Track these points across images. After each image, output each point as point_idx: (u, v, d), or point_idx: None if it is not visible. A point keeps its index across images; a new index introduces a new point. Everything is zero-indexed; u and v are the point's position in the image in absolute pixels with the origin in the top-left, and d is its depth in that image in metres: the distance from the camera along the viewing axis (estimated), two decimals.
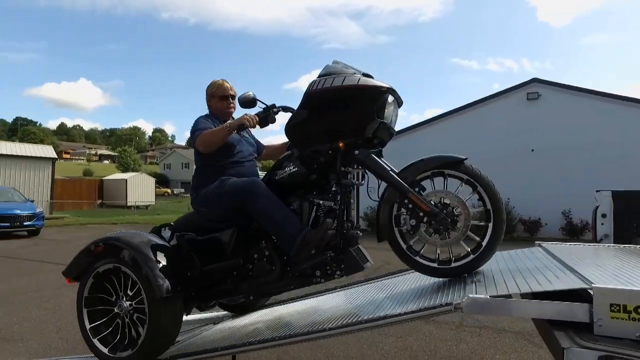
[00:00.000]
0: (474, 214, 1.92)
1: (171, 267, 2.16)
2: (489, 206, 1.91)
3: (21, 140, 51.23)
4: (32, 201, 13.16)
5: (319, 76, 2.09)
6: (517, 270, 1.95)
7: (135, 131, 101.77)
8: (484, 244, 1.91)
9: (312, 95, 2.07)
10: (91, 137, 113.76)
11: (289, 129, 2.17)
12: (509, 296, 1.50)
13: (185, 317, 3.10)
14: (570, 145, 11.71)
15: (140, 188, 29.65)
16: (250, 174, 2.40)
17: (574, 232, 11.25)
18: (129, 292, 2.19)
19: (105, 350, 2.19)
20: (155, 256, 2.15)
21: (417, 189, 1.96)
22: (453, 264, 1.96)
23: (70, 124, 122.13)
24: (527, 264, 2.10)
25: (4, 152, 19.35)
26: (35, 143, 30.91)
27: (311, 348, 3.23)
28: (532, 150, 12.30)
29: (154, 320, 2.07)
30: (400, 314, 1.66)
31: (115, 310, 2.21)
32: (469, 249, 1.94)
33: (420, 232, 1.94)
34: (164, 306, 2.08)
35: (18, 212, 11.46)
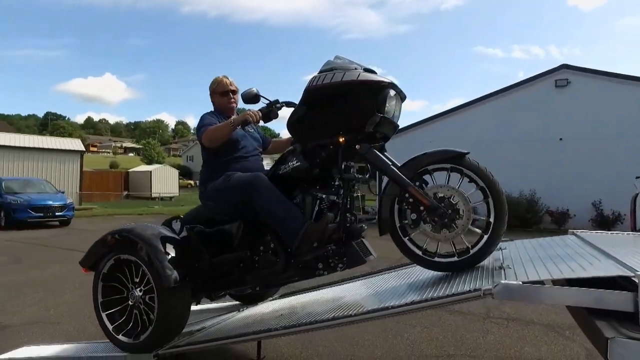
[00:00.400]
0: (475, 208, 1.91)
1: (180, 259, 2.25)
2: (487, 191, 1.91)
3: (51, 134, 53.05)
4: (63, 192, 13.63)
5: (320, 72, 2.10)
6: (548, 257, 1.89)
7: (159, 124, 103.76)
8: (486, 235, 1.92)
9: (311, 91, 2.09)
10: (116, 130, 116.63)
11: (290, 124, 2.20)
12: (541, 282, 1.46)
13: (210, 305, 3.18)
14: (602, 134, 11.28)
15: (164, 180, 30.26)
16: (255, 168, 2.43)
17: (605, 223, 10.88)
18: (139, 281, 2.29)
19: (120, 336, 2.31)
20: (165, 248, 2.24)
21: (417, 183, 1.96)
22: (470, 252, 1.95)
23: (96, 117, 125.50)
24: (559, 251, 2.04)
25: (36, 146, 20.05)
26: (64, 137, 31.89)
27: (336, 337, 3.23)
28: (561, 139, 11.92)
29: (163, 309, 2.16)
30: (427, 300, 1.63)
31: (128, 298, 2.32)
32: (469, 245, 1.95)
33: (421, 226, 1.95)
34: (172, 296, 2.17)
35: (50, 203, 11.90)
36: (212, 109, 2.63)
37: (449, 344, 3.18)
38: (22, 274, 5.79)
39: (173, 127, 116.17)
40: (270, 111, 2.29)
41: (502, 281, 1.45)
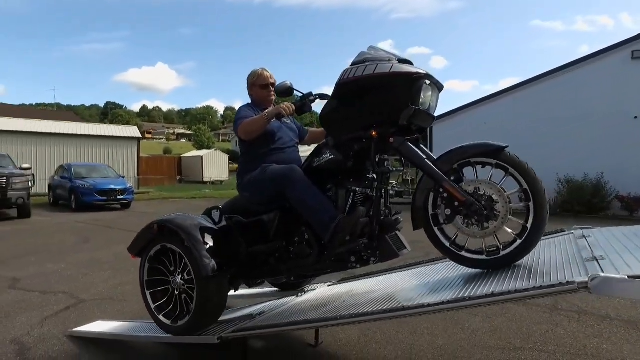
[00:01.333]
0: (512, 204, 1.83)
1: (218, 248, 2.34)
2: (530, 195, 1.82)
3: (111, 122, 56.35)
4: (123, 177, 14.43)
5: (352, 64, 2.08)
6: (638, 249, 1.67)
7: (208, 110, 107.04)
8: (529, 225, 1.83)
9: (343, 85, 2.07)
10: (169, 117, 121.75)
11: (323, 118, 2.20)
12: None
13: (268, 289, 3.20)
14: None
15: (215, 164, 31.31)
16: (291, 160, 2.45)
17: None
18: (180, 268, 2.41)
19: (164, 319, 2.47)
20: (203, 238, 2.33)
21: (453, 178, 1.90)
22: (500, 253, 1.88)
23: (150, 105, 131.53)
24: None
25: (97, 134, 21.36)
26: (122, 125, 33.72)
27: (394, 324, 3.14)
28: (636, 117, 10.86)
29: (201, 296, 2.27)
30: (512, 292, 1.49)
31: (170, 284, 2.47)
32: (500, 246, 1.88)
33: (456, 222, 1.90)
34: (209, 284, 2.26)
35: (113, 187, 12.66)
36: (249, 102, 2.67)
37: (514, 335, 2.99)
38: (91, 253, 6.19)
39: (222, 113, 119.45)
40: (304, 104, 2.29)
41: (602, 274, 1.28)
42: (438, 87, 2.10)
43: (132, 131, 23.39)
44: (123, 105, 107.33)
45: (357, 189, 2.13)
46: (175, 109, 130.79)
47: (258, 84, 2.63)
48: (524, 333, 3.03)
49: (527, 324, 3.20)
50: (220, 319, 2.54)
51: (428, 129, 14.86)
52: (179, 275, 2.42)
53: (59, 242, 7.20)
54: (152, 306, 2.55)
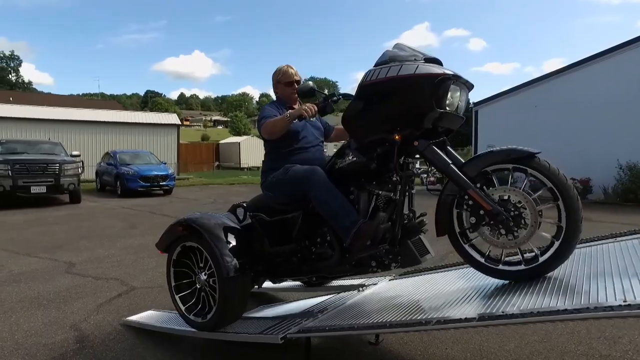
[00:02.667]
0: (541, 214, 1.77)
1: (240, 247, 2.37)
2: (562, 207, 1.74)
3: (151, 110, 58.06)
4: (165, 163, 14.76)
5: (376, 65, 2.02)
6: None
7: (244, 97, 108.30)
8: (556, 243, 1.76)
9: (366, 87, 2.02)
10: (206, 104, 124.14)
11: (345, 120, 2.14)
12: None
13: (331, 283, 3.05)
14: None
15: (251, 150, 31.62)
16: (316, 159, 2.42)
17: None
18: (204, 266, 2.46)
19: (186, 312, 2.56)
20: (226, 237, 2.37)
21: (478, 185, 1.84)
22: (539, 259, 1.81)
23: (188, 93, 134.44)
24: None
25: (140, 121, 21.99)
26: (161, 112, 34.63)
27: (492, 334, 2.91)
28: None
29: (223, 294, 2.32)
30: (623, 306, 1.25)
31: (195, 281, 2.53)
32: (537, 252, 1.81)
33: (481, 231, 1.85)
34: (231, 282, 2.29)
35: (155, 173, 12.96)
36: (274, 100, 2.66)
37: (596, 340, 2.69)
38: (138, 239, 6.31)
39: (257, 99, 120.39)
40: (326, 105, 2.24)
41: None
42: (467, 86, 2.03)
43: (172, 118, 23.94)
44: (162, 94, 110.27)
45: (380, 192, 2.09)
46: (212, 96, 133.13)
47: (283, 81, 2.61)
48: (608, 338, 2.72)
49: (609, 328, 2.88)
50: (280, 313, 2.43)
51: (473, 113, 14.21)
52: (203, 272, 2.46)
53: (107, 227, 7.40)
54: (178, 301, 2.63)
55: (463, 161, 1.94)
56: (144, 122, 22.17)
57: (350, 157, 2.16)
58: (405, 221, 2.11)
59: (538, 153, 1.79)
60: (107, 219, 8.25)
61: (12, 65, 62.05)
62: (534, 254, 1.82)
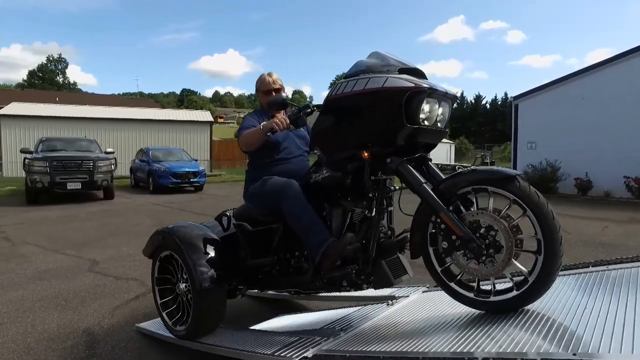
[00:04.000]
0: (517, 244, 1.64)
1: (218, 259, 2.34)
2: (539, 235, 1.59)
3: (186, 108, 59.53)
4: (196, 160, 14.88)
5: (345, 77, 1.91)
6: None
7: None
8: (530, 279, 1.61)
9: (332, 101, 1.92)
10: (239, 102, 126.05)
11: (314, 135, 2.08)
12: None
13: (351, 292, 2.75)
14: None
15: None
16: (298, 170, 2.34)
17: None
18: (182, 275, 2.44)
19: (168, 319, 2.58)
20: (204, 248, 2.35)
21: (451, 208, 1.71)
22: (492, 298, 1.71)
23: (222, 91, 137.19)
24: None
25: (173, 118, 22.43)
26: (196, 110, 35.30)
27: None
28: None
29: (197, 306, 2.31)
30: None
31: (176, 290, 2.51)
32: (525, 273, 1.64)
33: (454, 257, 1.74)
34: (205, 295, 2.27)
35: (187, 169, 13.05)
36: (258, 109, 2.63)
37: None
38: None
39: (290, 96, 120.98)
40: (298, 118, 2.15)
41: None
42: (449, 97, 1.89)
43: (205, 115, 24.27)
44: (197, 92, 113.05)
45: (355, 209, 2.00)
46: (245, 94, 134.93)
47: (262, 89, 2.56)
48: None
49: None
50: (297, 327, 2.17)
51: (513, 107, 13.44)
52: (182, 282, 2.45)
53: (136, 224, 7.42)
54: (160, 307, 2.64)
55: (443, 178, 1.81)
56: (178, 119, 22.58)
57: (324, 172, 2.09)
58: (382, 239, 2.02)
59: (518, 175, 1.63)
60: (136, 216, 8.29)
61: (59, 67, 65.25)
62: (522, 276, 1.66)
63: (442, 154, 30.35)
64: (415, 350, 1.50)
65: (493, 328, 1.57)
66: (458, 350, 1.42)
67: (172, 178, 12.60)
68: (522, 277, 1.65)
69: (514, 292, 1.65)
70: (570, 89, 11.85)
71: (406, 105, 1.72)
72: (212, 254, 2.34)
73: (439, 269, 1.82)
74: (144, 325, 2.89)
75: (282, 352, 1.84)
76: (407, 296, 2.52)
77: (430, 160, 1.92)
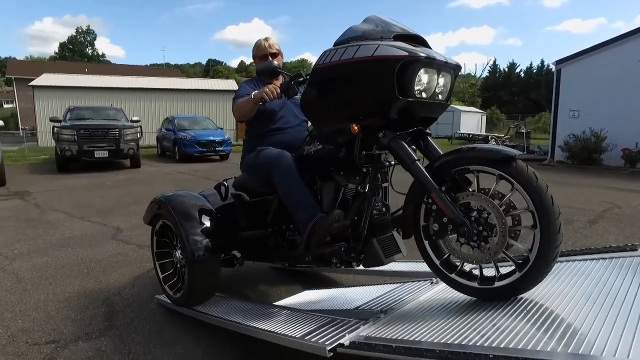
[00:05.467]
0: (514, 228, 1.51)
1: (212, 229, 2.33)
2: (536, 220, 1.43)
3: (213, 78, 59.46)
4: (222, 129, 14.73)
5: (335, 43, 1.75)
6: None
7: (302, 63, 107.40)
8: (532, 258, 1.47)
9: (319, 71, 1.80)
10: None
11: (302, 106, 2.00)
12: None
13: (391, 266, 2.51)
14: None
15: None
16: (294, 141, 2.24)
17: None
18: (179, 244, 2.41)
19: (164, 283, 2.63)
20: (198, 218, 2.33)
21: (444, 188, 1.60)
22: (497, 283, 1.58)
23: (247, 61, 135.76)
24: None
25: (198, 87, 22.30)
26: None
27: None
28: None
29: (190, 275, 2.33)
30: None
31: (173, 257, 2.56)
32: (527, 251, 1.50)
33: (446, 240, 1.66)
34: (197, 265, 2.28)
35: (212, 138, 12.92)
36: (254, 77, 2.53)
37: None
38: None
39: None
40: (289, 87, 2.03)
41: None
42: (450, 67, 1.72)
43: (230, 84, 24.04)
44: (223, 62, 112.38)
45: (348, 185, 1.92)
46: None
47: (258, 55, 2.47)
48: None
49: None
50: (328, 306, 1.94)
51: (555, 73, 12.52)
52: (178, 250, 2.44)
53: (160, 191, 7.32)
54: (159, 272, 2.69)
55: (441, 154, 1.69)
56: (204, 88, 22.44)
57: (317, 145, 1.98)
58: (376, 216, 1.94)
59: (517, 156, 1.49)
60: (161, 184, 8.24)
61: (88, 39, 65.91)
62: (524, 255, 1.52)
63: (473, 124, 29.19)
64: (481, 344, 1.21)
65: (576, 314, 1.27)
66: (528, 348, 1.14)
67: (198, 147, 12.49)
68: (524, 257, 1.52)
69: (517, 274, 1.52)
70: (623, 50, 10.84)
71: (399, 75, 1.56)
72: (206, 224, 2.32)
73: (437, 262, 1.72)
74: (165, 297, 2.73)
75: (313, 337, 1.60)
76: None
77: (430, 134, 1.80)
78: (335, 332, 1.62)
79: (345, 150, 1.87)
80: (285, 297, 2.70)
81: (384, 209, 2.00)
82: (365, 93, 1.67)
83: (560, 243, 1.44)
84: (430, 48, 1.70)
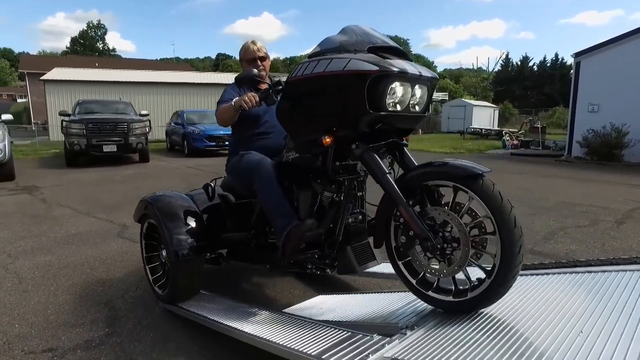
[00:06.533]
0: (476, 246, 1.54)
1: (196, 230, 2.39)
2: (497, 239, 1.46)
3: (222, 72, 59.42)
4: None
5: (310, 55, 1.79)
6: None
7: None
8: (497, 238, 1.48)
9: (292, 84, 1.85)
10: (274, 66, 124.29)
11: (277, 116, 2.01)
12: None
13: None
14: None
15: None
16: (277, 145, 2.25)
17: None
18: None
19: (153, 282, 2.66)
20: (183, 219, 2.39)
21: (411, 201, 1.64)
22: (470, 294, 1.58)
23: None
24: None
25: (208, 81, 22.16)
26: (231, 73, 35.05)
27: None
28: None
29: (174, 275, 2.39)
30: None
31: (159, 256, 2.61)
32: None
33: (413, 253, 1.68)
34: (180, 265, 2.33)
35: (221, 132, 12.69)
36: None
37: None
38: None
39: None
40: (267, 96, 2.04)
41: None
42: (424, 79, 1.72)
43: None
44: (232, 56, 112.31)
45: (324, 193, 1.95)
46: (280, 58, 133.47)
47: (246, 58, 2.48)
48: None
49: None
50: (344, 317, 1.77)
51: (573, 66, 12.13)
52: (163, 249, 2.49)
53: (167, 187, 7.16)
54: (148, 270, 2.72)
55: (415, 166, 1.73)
56: (213, 82, 22.31)
57: (293, 153, 2.02)
58: (353, 224, 2.00)
59: (484, 173, 1.50)
60: (169, 179, 8.13)
61: (99, 34, 66.16)
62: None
63: (485, 118, 28.68)
64: None
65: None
66: None
67: (207, 141, 12.34)
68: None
69: (488, 281, 1.53)
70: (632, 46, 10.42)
71: (370, 90, 1.57)
72: (190, 224, 2.37)
73: (413, 281, 1.74)
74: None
75: (331, 356, 1.42)
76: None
77: (406, 145, 1.83)
78: (357, 351, 1.44)
79: (321, 160, 1.89)
80: (298, 302, 2.53)
81: (360, 217, 2.05)
82: (337, 106, 1.69)
83: (520, 263, 1.46)
84: (409, 60, 1.73)
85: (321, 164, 1.89)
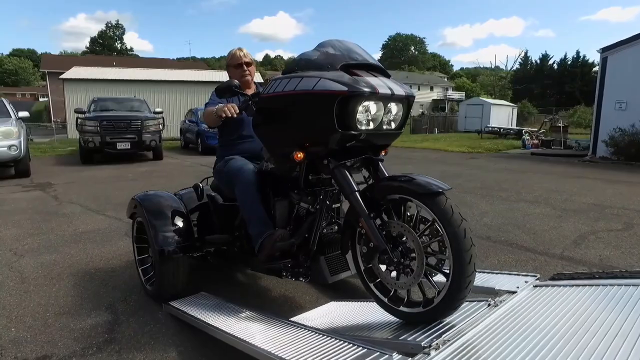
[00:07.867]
0: (430, 262, 1.58)
1: (182, 230, 2.42)
2: (450, 262, 1.48)
3: None
4: None
5: (283, 72, 1.83)
6: None
7: None
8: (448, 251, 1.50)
9: (264, 100, 1.88)
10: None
11: (253, 128, 2.05)
12: None
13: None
14: None
15: None
16: (259, 150, 2.28)
17: None
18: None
19: (144, 279, 2.68)
20: (171, 219, 2.44)
21: (373, 214, 1.68)
22: (437, 300, 1.56)
23: (272, 54, 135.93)
24: None
25: (222, 80, 22.12)
26: None
27: None
28: None
29: (160, 273, 2.42)
30: None
31: (149, 253, 2.65)
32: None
33: (374, 263, 1.73)
34: (164, 263, 2.37)
35: None
36: None
37: None
38: None
39: None
40: (247, 107, 2.01)
41: None
42: (396, 98, 1.70)
43: (255, 77, 23.80)
44: None
45: (300, 203, 2.00)
46: (295, 57, 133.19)
47: (232, 64, 2.56)
48: None
49: None
50: (359, 329, 1.61)
51: (600, 62, 11.65)
52: (152, 247, 2.51)
53: (180, 185, 7.02)
54: (138, 267, 2.75)
55: (386, 175, 1.79)
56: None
57: (271, 164, 2.07)
58: (328, 234, 2.05)
59: (443, 190, 1.52)
60: (182, 177, 8.04)
61: (117, 34, 67.16)
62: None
63: (504, 117, 28.04)
64: None
65: None
66: None
67: None
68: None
69: (437, 299, 1.55)
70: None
71: (339, 109, 1.59)
72: (177, 223, 2.42)
73: (385, 299, 1.74)
74: (174, 303, 2.42)
75: None
76: (514, 292, 1.81)
77: (382, 160, 1.86)
78: None
79: (296, 172, 1.93)
80: (309, 309, 2.35)
81: (335, 228, 2.09)
82: (307, 124, 1.72)
83: (472, 272, 1.46)
84: (388, 76, 1.74)
85: (297, 175, 1.94)
